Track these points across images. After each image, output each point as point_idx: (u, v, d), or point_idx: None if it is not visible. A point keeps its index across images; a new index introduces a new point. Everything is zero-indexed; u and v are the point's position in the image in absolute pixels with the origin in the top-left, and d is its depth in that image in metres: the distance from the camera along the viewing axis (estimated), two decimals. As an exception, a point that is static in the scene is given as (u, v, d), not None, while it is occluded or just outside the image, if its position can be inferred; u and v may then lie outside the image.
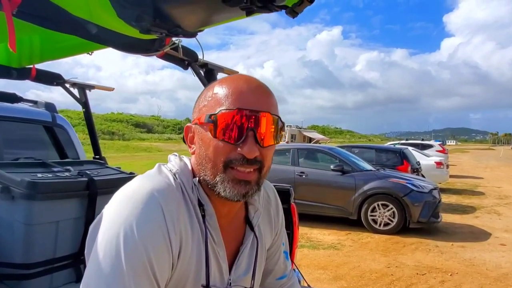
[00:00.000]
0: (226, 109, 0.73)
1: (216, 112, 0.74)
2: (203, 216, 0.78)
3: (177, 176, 0.79)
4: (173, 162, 0.84)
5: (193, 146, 0.82)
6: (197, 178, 0.80)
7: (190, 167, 0.82)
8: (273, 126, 0.76)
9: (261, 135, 0.74)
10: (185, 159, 0.85)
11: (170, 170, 0.80)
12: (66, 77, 2.65)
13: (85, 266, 1.84)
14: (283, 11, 1.06)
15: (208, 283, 0.78)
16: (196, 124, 0.80)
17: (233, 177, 0.75)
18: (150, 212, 0.69)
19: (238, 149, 0.73)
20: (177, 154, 0.87)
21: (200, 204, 0.79)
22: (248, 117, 0.73)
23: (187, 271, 0.75)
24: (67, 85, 2.68)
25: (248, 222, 0.91)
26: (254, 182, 0.77)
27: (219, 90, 0.77)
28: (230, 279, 0.84)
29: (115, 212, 0.69)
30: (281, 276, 1.08)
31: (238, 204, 0.86)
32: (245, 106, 0.73)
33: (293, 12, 1.04)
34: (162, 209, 0.70)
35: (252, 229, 0.91)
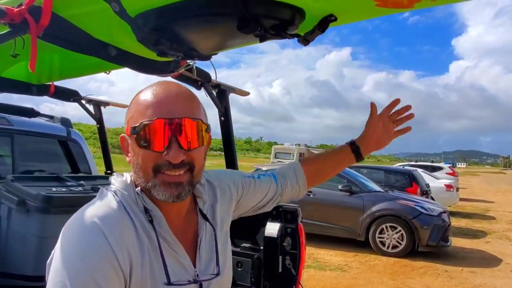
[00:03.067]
0: (147, 121, 0.77)
1: (138, 125, 0.77)
2: (151, 221, 0.80)
3: (118, 193, 0.81)
4: (113, 181, 0.86)
5: (129, 155, 0.85)
6: (139, 188, 0.82)
7: (129, 181, 0.85)
8: (195, 130, 0.79)
9: (184, 140, 0.77)
10: (125, 174, 0.87)
11: (110, 190, 0.83)
12: (81, 91, 2.73)
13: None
14: (296, 39, 1.10)
15: (169, 280, 0.79)
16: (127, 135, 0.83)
17: (163, 181, 0.78)
18: (93, 242, 0.71)
19: (164, 155, 0.77)
20: (116, 173, 0.89)
21: (147, 211, 0.81)
22: (169, 125, 0.76)
23: (142, 282, 0.77)
24: (83, 101, 2.76)
25: (201, 213, 0.93)
26: (186, 183, 0.80)
27: (140, 101, 0.81)
28: (196, 271, 0.86)
29: (61, 247, 0.72)
30: (267, 192, 1.16)
31: (185, 202, 0.88)
32: (165, 115, 0.76)
33: (305, 40, 1.09)
34: (104, 234, 0.72)
35: (205, 218, 0.93)
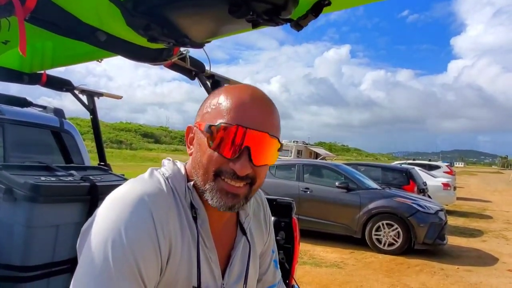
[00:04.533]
0: (226, 123, 0.73)
1: (216, 124, 0.74)
2: (195, 218, 0.79)
3: (169, 180, 0.80)
4: (167, 167, 0.85)
5: (191, 147, 0.83)
6: (192, 182, 0.81)
7: (183, 172, 0.83)
8: (270, 147, 0.76)
9: (256, 154, 0.74)
10: (179, 164, 0.86)
11: (162, 174, 0.81)
12: (78, 85, 2.69)
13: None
14: (288, 24, 1.07)
15: (199, 284, 0.78)
16: (197, 128, 0.81)
17: (221, 188, 0.75)
18: (139, 217, 0.69)
19: (231, 163, 0.74)
20: (171, 159, 0.88)
21: (192, 207, 0.79)
22: (245, 135, 0.72)
23: (177, 275, 0.75)
24: (76, 92, 2.72)
25: (239, 226, 0.92)
26: (243, 196, 0.77)
27: (223, 100, 0.77)
28: (223, 284, 0.84)
29: (105, 216, 0.70)
30: (271, 286, 1.07)
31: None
32: (245, 123, 0.73)
33: (298, 25, 1.06)
34: (152, 214, 0.71)
35: (244, 233, 0.91)
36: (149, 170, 0.83)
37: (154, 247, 0.70)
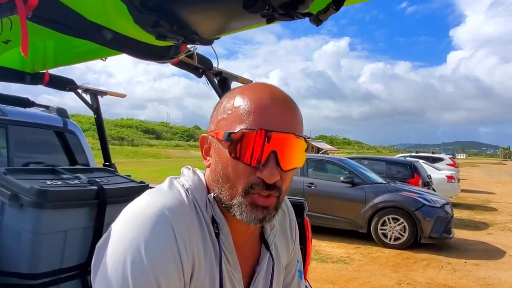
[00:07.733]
0: (247, 129, 0.67)
1: (236, 131, 0.67)
2: (217, 234, 0.73)
3: (189, 192, 0.74)
4: (186, 177, 0.79)
5: (208, 158, 0.77)
6: (212, 194, 0.75)
7: (204, 182, 0.77)
8: (297, 149, 0.70)
9: (283, 158, 0.68)
10: (199, 173, 0.80)
11: (182, 185, 0.75)
12: (78, 83, 2.64)
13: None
14: (307, 19, 1.01)
15: None
16: (213, 137, 0.74)
17: (251, 202, 0.69)
18: (160, 233, 0.64)
19: (258, 172, 0.68)
20: (191, 168, 0.82)
21: (214, 222, 0.74)
22: (270, 139, 0.66)
23: None
24: (79, 91, 2.67)
25: (263, 240, 0.86)
26: (273, 207, 0.72)
27: (241, 103, 0.70)
28: None
29: (122, 232, 0.65)
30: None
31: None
32: (269, 125, 0.67)
33: (317, 20, 1.00)
34: (173, 229, 0.65)
35: (267, 248, 0.86)
36: (168, 180, 0.77)
37: (177, 266, 0.64)
